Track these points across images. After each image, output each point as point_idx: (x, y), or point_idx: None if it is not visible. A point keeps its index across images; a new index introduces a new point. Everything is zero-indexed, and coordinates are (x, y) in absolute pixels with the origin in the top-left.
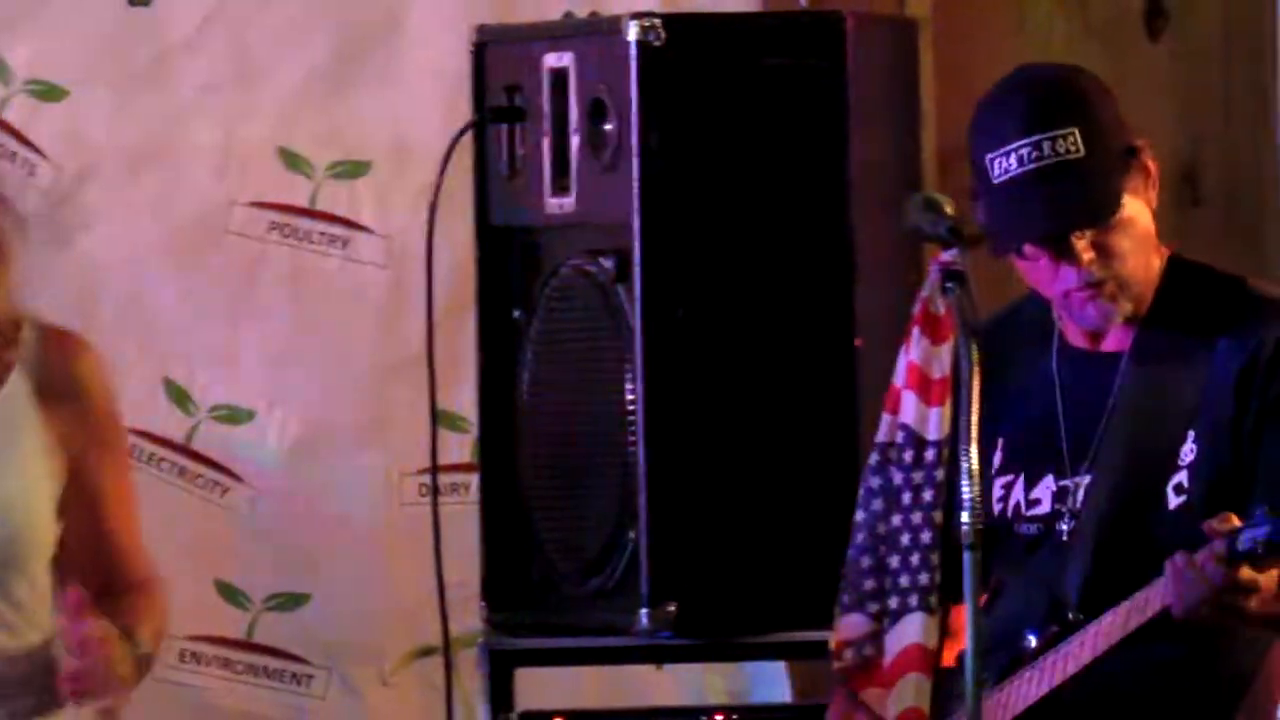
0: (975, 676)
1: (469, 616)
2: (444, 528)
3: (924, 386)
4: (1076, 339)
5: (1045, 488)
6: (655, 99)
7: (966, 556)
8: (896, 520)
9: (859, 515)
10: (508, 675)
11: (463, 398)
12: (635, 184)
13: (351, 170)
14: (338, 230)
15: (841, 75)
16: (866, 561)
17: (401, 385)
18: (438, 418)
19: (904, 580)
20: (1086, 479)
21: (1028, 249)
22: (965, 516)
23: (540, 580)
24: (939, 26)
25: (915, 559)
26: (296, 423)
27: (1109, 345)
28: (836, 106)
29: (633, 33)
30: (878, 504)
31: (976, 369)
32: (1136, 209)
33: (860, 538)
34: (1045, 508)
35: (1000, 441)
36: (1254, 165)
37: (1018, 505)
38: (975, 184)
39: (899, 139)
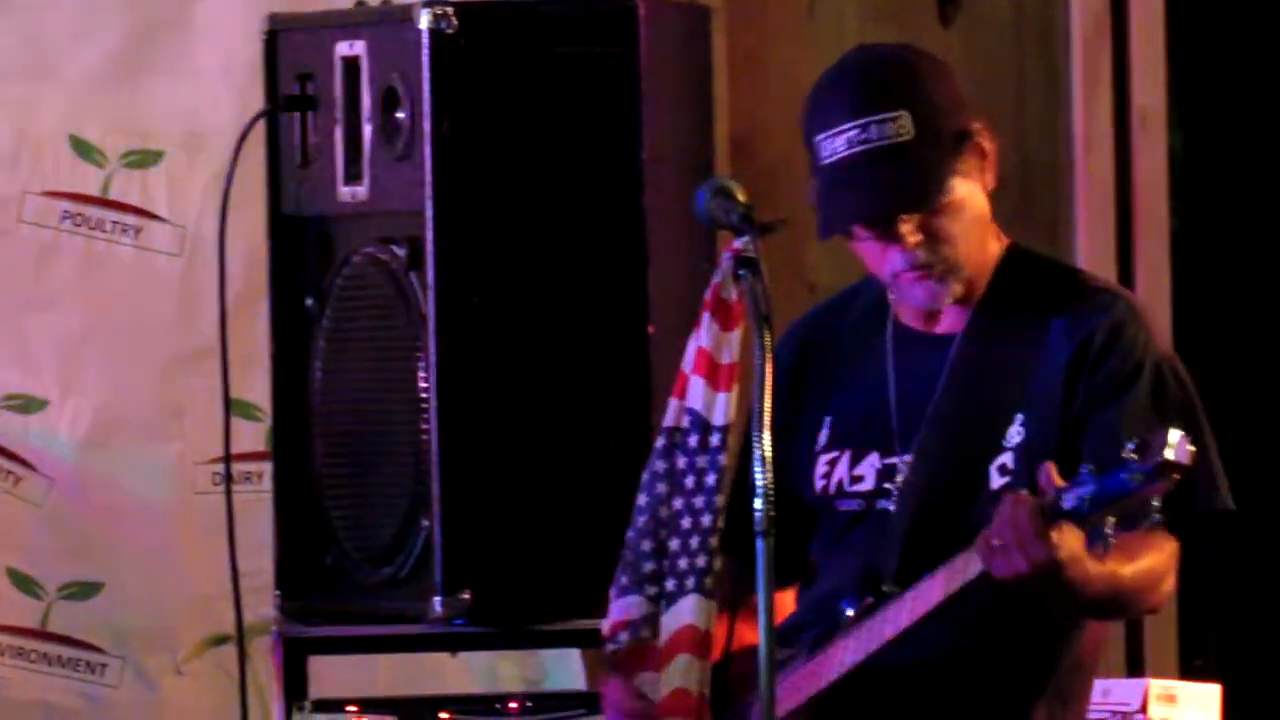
0: (769, 660)
1: (263, 605)
2: (238, 516)
3: (712, 372)
4: (911, 320)
5: (870, 465)
6: (448, 87)
7: (759, 543)
8: (678, 504)
9: (641, 499)
10: (301, 663)
11: (256, 386)
12: (428, 172)
13: (144, 159)
14: (130, 219)
15: (634, 62)
16: (647, 544)
17: (195, 374)
18: (231, 406)
19: (682, 563)
20: (911, 457)
21: (857, 231)
22: (758, 503)
23: (334, 568)
24: (731, 12)
25: (694, 542)
26: (90, 412)
27: (943, 327)
28: (629, 93)
29: (425, 21)
30: (661, 488)
31: (769, 356)
32: (968, 192)
33: (641, 521)
34: (868, 484)
35: (828, 420)
36: (1049, 149)
37: (840, 482)
38: (810, 165)
39: (691, 125)
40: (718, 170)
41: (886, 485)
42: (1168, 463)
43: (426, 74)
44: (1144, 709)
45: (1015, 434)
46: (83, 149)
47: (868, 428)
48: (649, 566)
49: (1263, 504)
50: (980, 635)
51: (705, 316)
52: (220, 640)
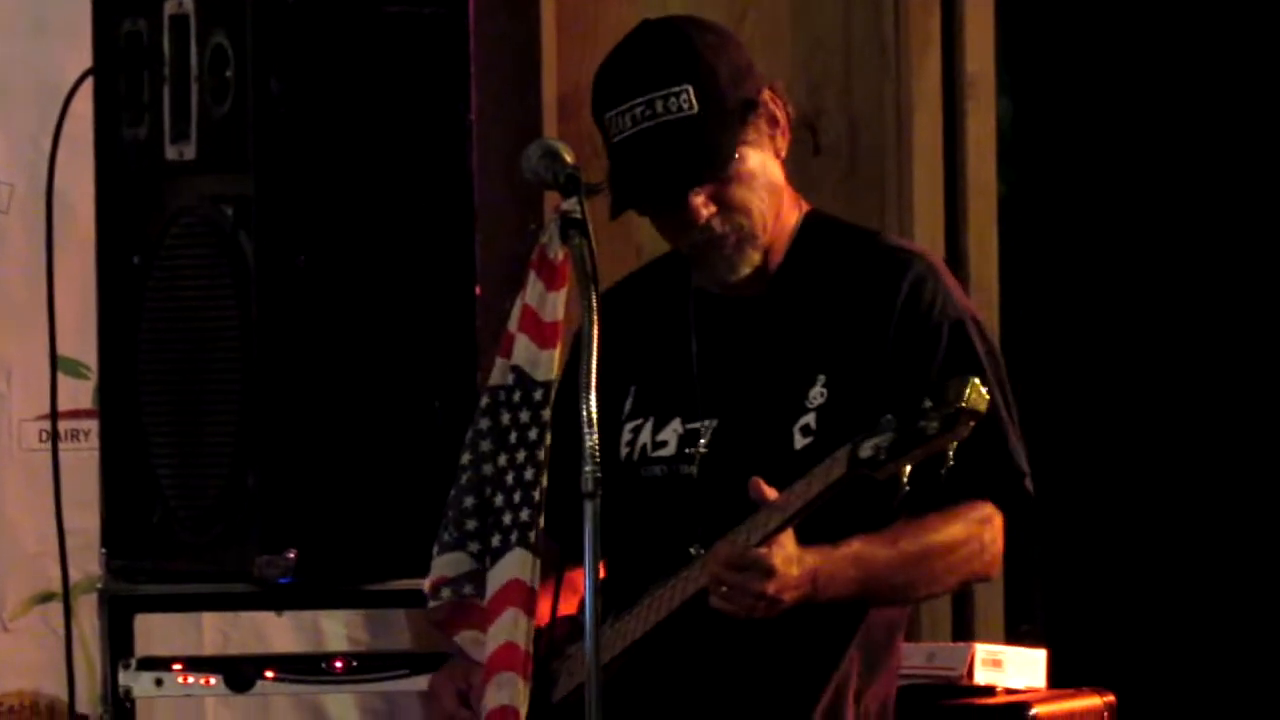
0: (594, 620)
1: (89, 563)
2: (65, 474)
3: (537, 329)
4: (712, 286)
5: (672, 430)
6: (276, 46)
7: (586, 505)
8: (503, 460)
9: (465, 456)
10: (127, 621)
11: (83, 344)
12: (255, 131)
13: None
14: None
15: (462, 22)
16: (470, 501)
17: (22, 331)
18: (58, 364)
19: (507, 518)
20: (715, 421)
21: (648, 208)
22: (586, 467)
23: (161, 526)
24: None
25: (518, 496)
26: None
27: (744, 291)
28: (457, 53)
29: None
30: (486, 445)
31: (595, 318)
32: (758, 160)
33: (465, 478)
34: (671, 449)
35: (633, 389)
36: (875, 113)
37: (644, 448)
38: (602, 142)
39: (519, 86)
40: (545, 131)
41: (688, 450)
42: (963, 409)
43: (254, 33)
44: (970, 673)
45: (817, 395)
46: None
47: (671, 394)
48: (472, 524)
49: (1083, 466)
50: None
51: (531, 275)
52: (46, 598)
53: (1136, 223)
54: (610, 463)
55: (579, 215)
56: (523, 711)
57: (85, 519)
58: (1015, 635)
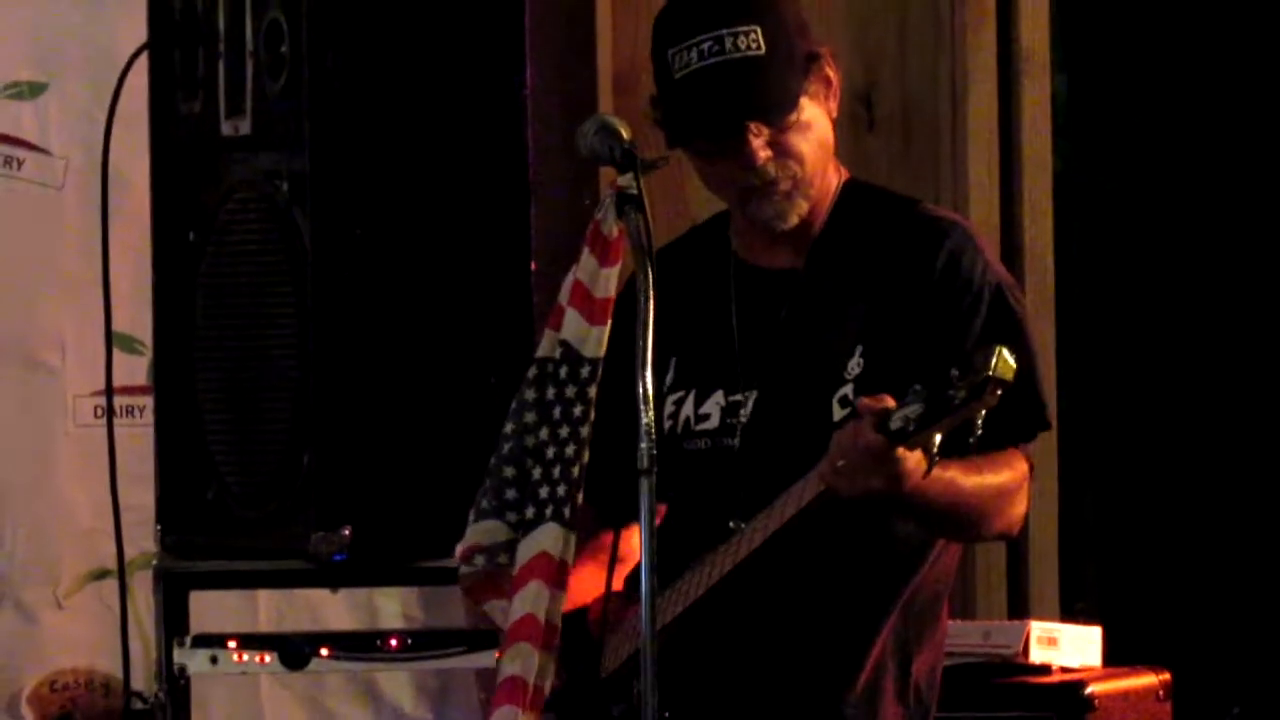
0: (650, 596)
1: (144, 539)
2: (119, 450)
3: (587, 304)
4: (752, 257)
5: (714, 403)
6: (330, 21)
7: (642, 482)
8: (544, 434)
9: (508, 427)
10: (182, 598)
11: (138, 320)
12: (311, 106)
13: (28, 91)
14: (12, 151)
15: None
16: (510, 471)
17: (77, 307)
18: (113, 339)
19: (543, 491)
20: (755, 393)
21: (705, 145)
22: (642, 444)
23: (215, 503)
24: None
25: (556, 471)
26: None
27: (782, 263)
28: (512, 28)
29: None
30: (530, 416)
31: (652, 294)
32: (815, 114)
33: (507, 448)
34: (714, 422)
35: (673, 361)
36: (930, 89)
37: (687, 420)
38: (657, 81)
39: (575, 61)
40: (600, 106)
41: (730, 421)
42: (990, 378)
43: (309, 8)
44: (1025, 651)
45: (855, 366)
46: None
47: (712, 366)
48: (510, 494)
49: (1138, 442)
50: (827, 561)
51: (584, 250)
52: (101, 574)
53: (1191, 198)
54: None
55: (635, 191)
56: (539, 683)
57: (140, 495)
58: (1070, 613)
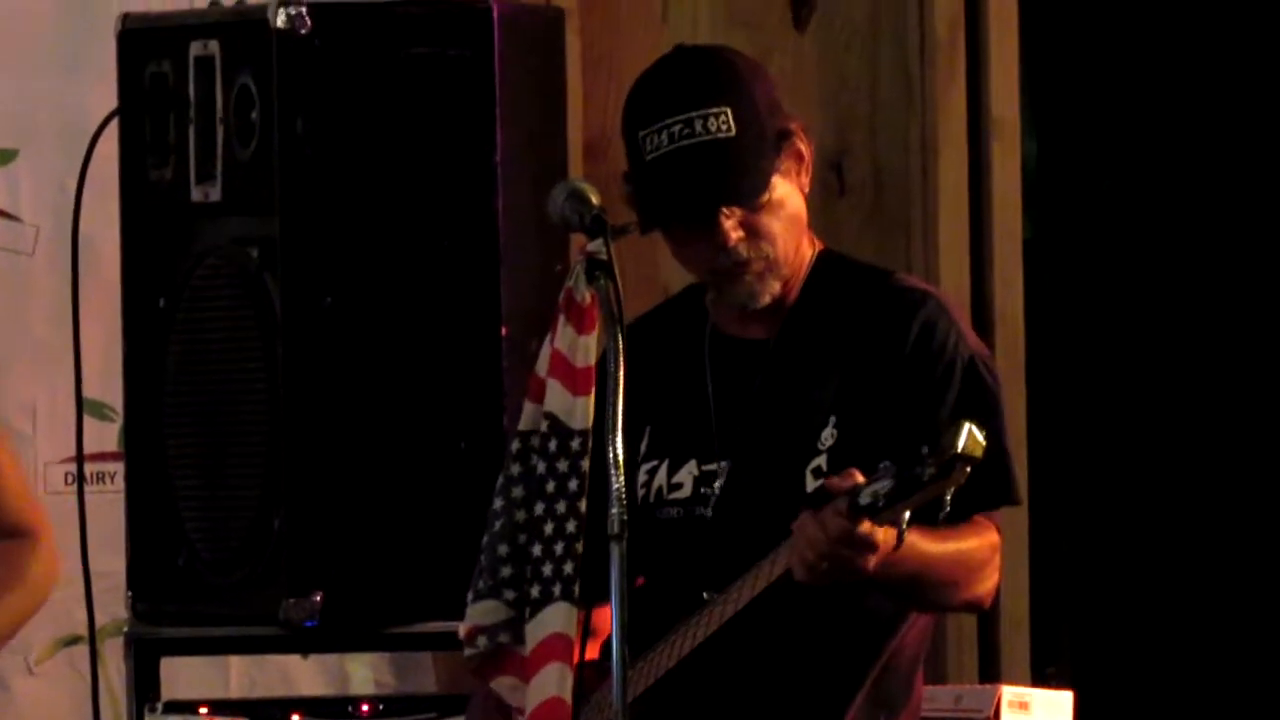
0: (621, 664)
1: (115, 606)
2: (90, 517)
3: (569, 375)
4: (727, 327)
5: (687, 472)
6: (301, 87)
7: (612, 547)
8: (539, 509)
9: (497, 503)
10: (153, 664)
11: (109, 386)
12: (281, 172)
13: None
14: None
15: (488, 64)
16: (504, 549)
17: (47, 373)
18: (84, 406)
19: (547, 569)
20: (728, 463)
21: (678, 227)
22: (613, 509)
23: (187, 569)
24: (585, 16)
25: (559, 548)
26: None
27: (757, 333)
28: (483, 95)
29: (279, 21)
30: (518, 492)
31: (622, 359)
32: (787, 192)
33: (498, 525)
34: (686, 492)
35: (647, 430)
36: (900, 154)
37: (659, 490)
38: (629, 160)
39: (545, 128)
40: (571, 173)
41: (704, 491)
42: (959, 456)
43: (279, 74)
44: (996, 716)
45: (829, 436)
46: None
47: (686, 435)
48: (506, 571)
49: (1109, 507)
50: (800, 632)
51: (560, 319)
52: (72, 641)
53: (1162, 265)
54: (627, 504)
55: (605, 257)
56: None
57: (111, 562)
58: (1042, 677)
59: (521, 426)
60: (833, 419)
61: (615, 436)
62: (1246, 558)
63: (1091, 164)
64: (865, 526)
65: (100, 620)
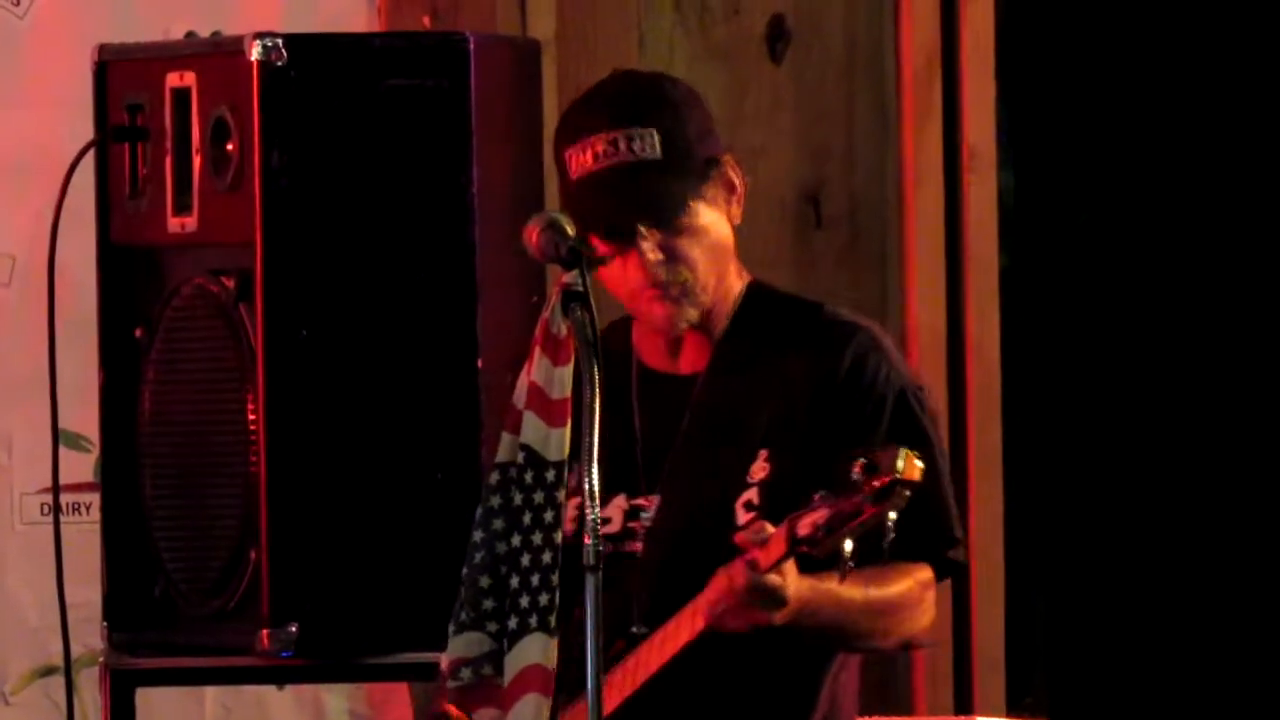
0: (596, 694)
1: (91, 637)
2: (66, 547)
3: (545, 407)
4: (654, 362)
5: (616, 507)
6: (277, 119)
7: (588, 578)
8: (516, 540)
9: (477, 535)
10: (129, 695)
11: (85, 417)
12: (257, 204)
13: None
14: None
15: (464, 96)
16: (485, 581)
17: (23, 404)
18: (59, 437)
19: (524, 601)
20: (658, 498)
21: (599, 246)
22: (587, 539)
23: (163, 600)
24: (562, 47)
25: (535, 579)
26: None
27: (686, 368)
28: (459, 127)
29: (255, 52)
30: (498, 523)
31: (598, 391)
32: (712, 220)
33: (479, 557)
34: (615, 526)
35: (575, 465)
36: (878, 187)
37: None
38: (559, 181)
39: (522, 160)
40: (547, 205)
41: (632, 525)
42: (898, 480)
43: (256, 105)
44: None
45: (759, 470)
46: None
47: (614, 470)
48: (488, 603)
49: (1085, 536)
50: (730, 677)
51: (536, 351)
52: (48, 671)
53: (1139, 296)
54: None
55: (581, 288)
56: None
57: (87, 592)
58: (1017, 709)
59: (500, 458)
60: (763, 453)
61: (591, 466)
62: (1224, 588)
63: (1068, 195)
64: (774, 579)
65: (76, 651)
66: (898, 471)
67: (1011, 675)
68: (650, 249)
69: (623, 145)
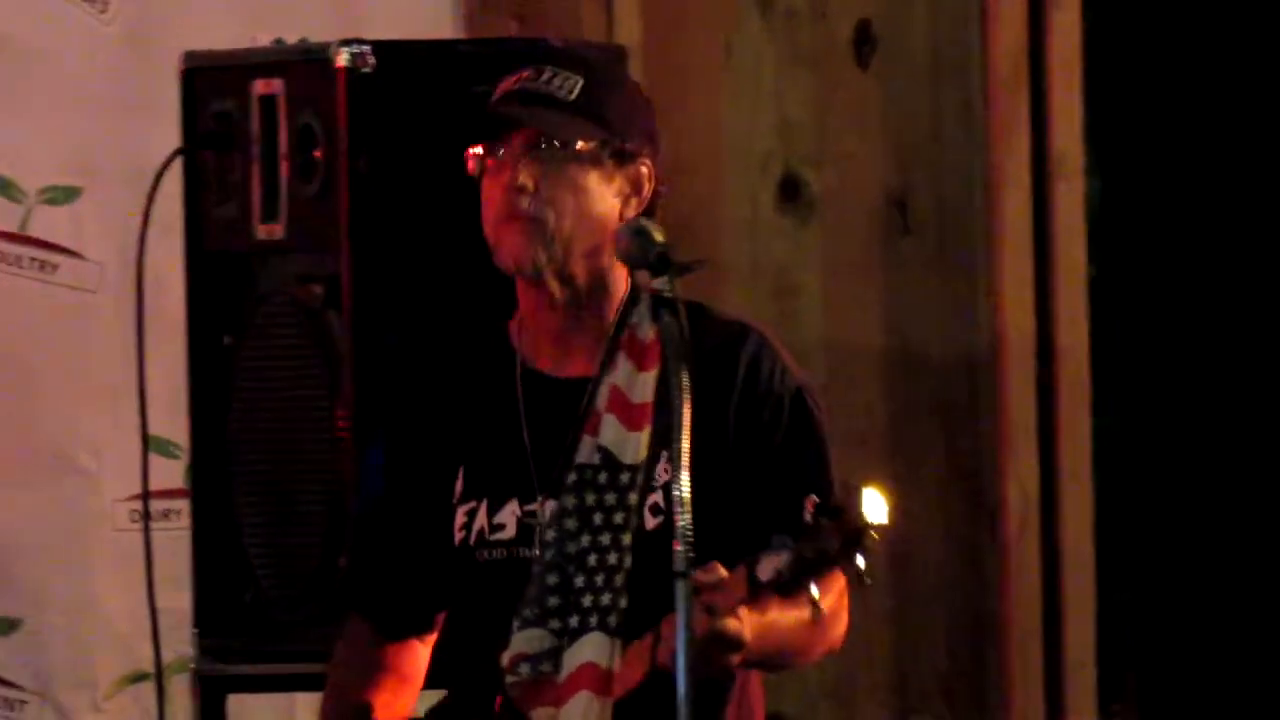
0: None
1: (181, 643)
2: (156, 554)
3: (625, 410)
4: (538, 363)
5: (510, 513)
6: (364, 125)
7: (678, 584)
8: (586, 540)
9: (549, 533)
10: (220, 701)
11: (174, 424)
12: (344, 210)
13: (63, 196)
14: (48, 255)
15: None
16: (553, 579)
17: (113, 411)
18: (149, 443)
19: (587, 600)
20: (553, 503)
21: (489, 162)
22: (679, 546)
23: (253, 606)
24: (648, 54)
25: (600, 579)
26: (6, 448)
27: (574, 371)
28: None
29: (342, 59)
30: (571, 523)
31: (687, 396)
32: (597, 188)
33: (549, 555)
34: (510, 532)
35: (461, 470)
36: (964, 191)
37: (481, 531)
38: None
39: None
40: None
41: (528, 533)
42: (869, 525)
43: (343, 112)
44: None
45: (662, 472)
46: (1, 185)
47: (504, 476)
48: (553, 601)
49: (1179, 544)
50: (638, 704)
51: (620, 355)
52: (139, 678)
53: (1228, 301)
54: (444, 546)
55: (670, 294)
56: None
57: (177, 599)
58: (1108, 715)
59: (578, 459)
60: (664, 454)
61: (681, 474)
62: None
63: (1156, 200)
64: (733, 624)
65: (166, 657)
66: (870, 518)
67: (1103, 681)
68: (526, 175)
69: (546, 75)
